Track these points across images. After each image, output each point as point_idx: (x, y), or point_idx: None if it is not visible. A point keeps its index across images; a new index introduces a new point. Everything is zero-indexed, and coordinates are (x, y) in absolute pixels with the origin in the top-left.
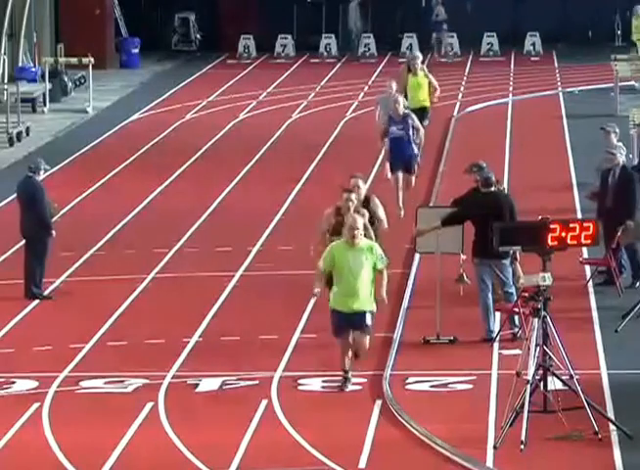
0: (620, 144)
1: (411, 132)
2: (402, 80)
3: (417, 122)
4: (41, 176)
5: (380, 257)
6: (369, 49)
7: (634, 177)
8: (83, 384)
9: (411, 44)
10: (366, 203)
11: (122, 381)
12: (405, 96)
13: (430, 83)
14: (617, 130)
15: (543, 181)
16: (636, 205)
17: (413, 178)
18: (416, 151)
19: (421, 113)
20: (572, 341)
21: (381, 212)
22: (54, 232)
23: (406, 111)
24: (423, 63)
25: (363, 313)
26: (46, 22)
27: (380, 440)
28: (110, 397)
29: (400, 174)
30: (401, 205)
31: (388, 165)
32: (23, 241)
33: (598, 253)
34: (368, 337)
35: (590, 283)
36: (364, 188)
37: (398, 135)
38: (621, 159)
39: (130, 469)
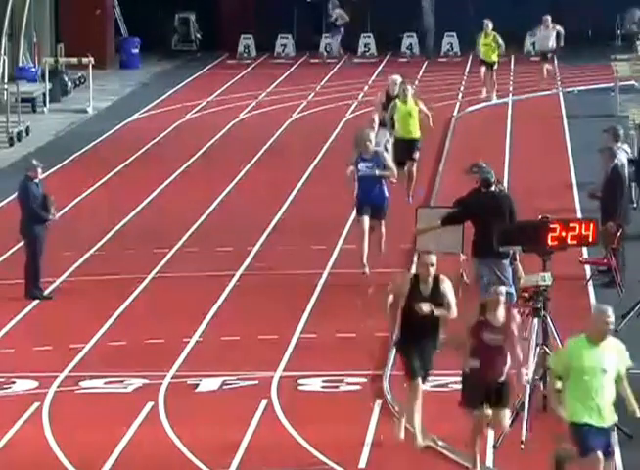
0: (626, 146)
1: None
2: (391, 109)
3: (388, 162)
4: (40, 176)
5: (627, 358)
6: (369, 49)
7: (619, 180)
8: (83, 384)
9: (411, 44)
10: (436, 282)
11: (122, 381)
12: (392, 125)
13: (420, 111)
14: (622, 132)
15: (543, 181)
16: (617, 207)
17: (383, 227)
18: (386, 193)
19: (411, 144)
20: None
21: (452, 296)
22: (52, 217)
23: (377, 148)
24: (404, 84)
25: (608, 432)
26: (46, 22)
27: (380, 440)
28: (110, 397)
29: (367, 219)
30: (365, 261)
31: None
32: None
33: (598, 253)
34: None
35: (590, 283)
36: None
37: (368, 174)
38: (617, 159)
39: (130, 469)
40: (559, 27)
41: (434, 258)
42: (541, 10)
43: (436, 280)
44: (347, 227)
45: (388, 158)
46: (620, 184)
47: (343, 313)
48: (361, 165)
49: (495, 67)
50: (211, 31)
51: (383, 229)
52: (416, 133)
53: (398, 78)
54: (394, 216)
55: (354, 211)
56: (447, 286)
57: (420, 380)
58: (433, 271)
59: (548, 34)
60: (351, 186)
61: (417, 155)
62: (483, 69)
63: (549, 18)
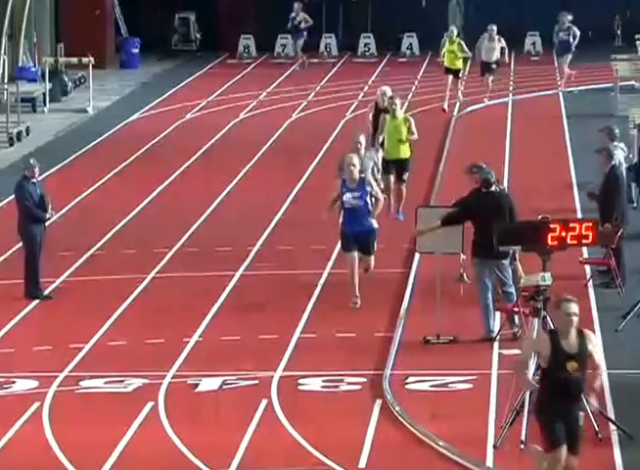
0: (622, 144)
1: (370, 201)
2: (381, 122)
3: (377, 191)
4: (37, 175)
5: None
6: (369, 49)
7: (617, 181)
8: (83, 384)
9: (411, 44)
10: (581, 337)
11: (122, 381)
12: (382, 143)
13: (409, 129)
14: (617, 131)
15: (543, 181)
16: (614, 208)
17: (372, 260)
18: (375, 225)
19: (400, 164)
20: None
21: (600, 353)
22: (49, 215)
23: (363, 175)
24: (393, 98)
25: None
26: (46, 22)
27: (380, 440)
28: (110, 396)
29: (355, 254)
30: (357, 292)
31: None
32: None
33: (598, 253)
34: None
35: (590, 283)
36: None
37: (354, 205)
38: (615, 160)
39: (130, 469)
40: (503, 42)
41: (576, 307)
42: (541, 10)
43: (581, 334)
44: None
45: (376, 186)
46: (618, 185)
47: (343, 313)
48: (347, 196)
49: (460, 74)
50: (211, 31)
51: (372, 261)
52: (405, 152)
53: (388, 90)
54: (392, 219)
55: (339, 245)
56: (594, 342)
57: (564, 449)
58: (577, 322)
59: (493, 46)
60: (336, 217)
61: (406, 175)
62: (448, 78)
63: (495, 28)
